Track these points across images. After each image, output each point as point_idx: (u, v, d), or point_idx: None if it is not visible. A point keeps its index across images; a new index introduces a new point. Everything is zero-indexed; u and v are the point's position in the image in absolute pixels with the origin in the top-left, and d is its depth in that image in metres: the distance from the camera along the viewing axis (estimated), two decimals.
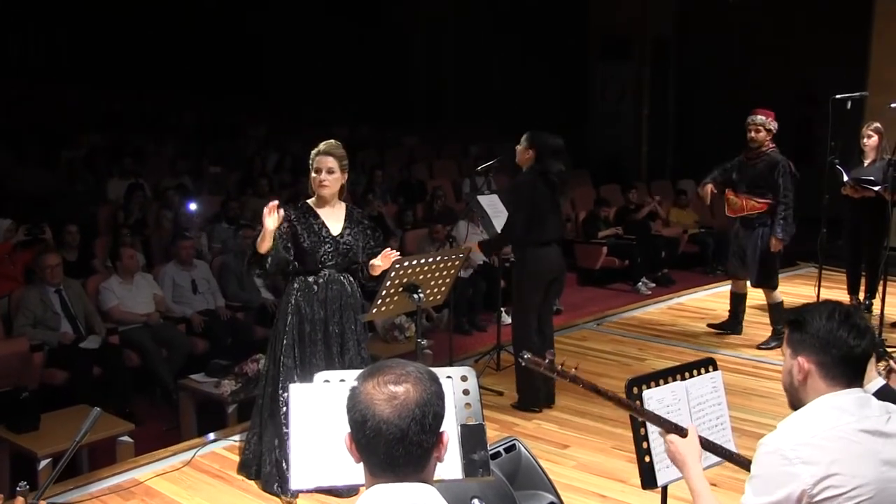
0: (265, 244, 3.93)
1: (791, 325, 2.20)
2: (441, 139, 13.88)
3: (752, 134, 6.24)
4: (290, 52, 15.15)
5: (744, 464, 2.57)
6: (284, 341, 4.09)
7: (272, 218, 3.84)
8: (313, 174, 4.11)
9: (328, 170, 4.07)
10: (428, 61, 15.60)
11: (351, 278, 4.25)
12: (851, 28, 9.62)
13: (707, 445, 2.57)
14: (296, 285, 4.15)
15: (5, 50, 14.74)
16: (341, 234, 4.15)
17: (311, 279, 4.14)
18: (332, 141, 4.18)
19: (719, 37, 12.63)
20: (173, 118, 13.40)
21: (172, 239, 6.97)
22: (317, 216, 4.14)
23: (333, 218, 4.18)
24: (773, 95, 11.57)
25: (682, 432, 2.42)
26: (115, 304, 6.21)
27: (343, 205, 4.25)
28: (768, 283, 6.46)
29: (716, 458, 2.64)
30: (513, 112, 13.39)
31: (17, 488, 1.90)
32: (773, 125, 6.21)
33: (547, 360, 2.41)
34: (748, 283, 6.64)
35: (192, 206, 8.29)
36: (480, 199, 5.94)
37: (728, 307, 6.87)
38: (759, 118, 6.21)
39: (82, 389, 5.42)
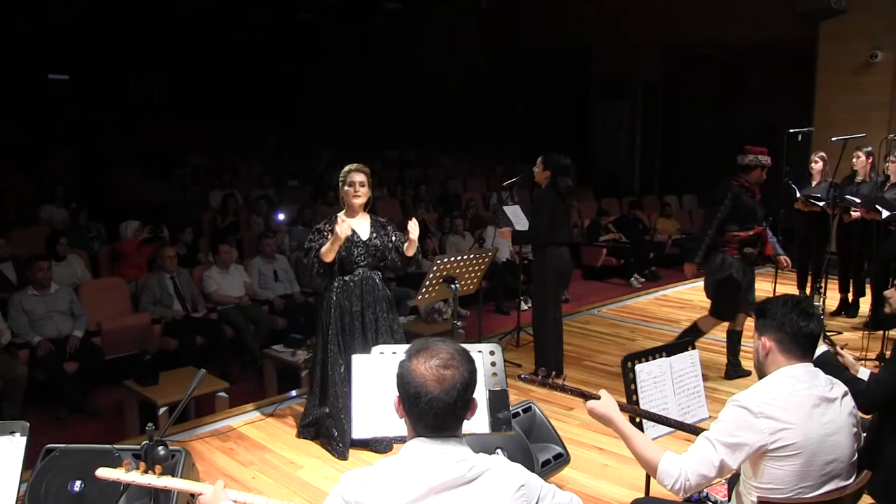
0: (331, 254, 3.82)
1: (757, 313, 2.24)
2: (474, 160, 13.88)
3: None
4: (351, 92, 15.40)
5: (692, 430, 2.56)
6: (330, 331, 3.98)
7: (345, 226, 3.74)
8: (347, 188, 3.96)
9: (360, 183, 3.95)
10: (463, 100, 15.65)
11: (380, 274, 4.10)
12: (802, 76, 9.71)
13: (657, 419, 2.56)
14: (336, 284, 4.00)
15: (135, 91, 15.26)
16: (370, 238, 4.01)
17: (347, 277, 4.00)
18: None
19: (697, 80, 12.60)
20: (260, 143, 13.56)
21: (259, 237, 7.05)
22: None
23: (362, 225, 4.03)
24: (740, 129, 11.45)
25: (597, 397, 2.34)
26: (215, 289, 6.31)
27: (367, 214, 4.10)
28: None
29: (667, 429, 2.62)
30: (531, 139, 13.38)
31: (147, 428, 1.96)
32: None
33: (540, 377, 2.46)
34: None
35: (281, 216, 8.48)
36: (505, 208, 5.95)
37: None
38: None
39: (189, 355, 5.53)
